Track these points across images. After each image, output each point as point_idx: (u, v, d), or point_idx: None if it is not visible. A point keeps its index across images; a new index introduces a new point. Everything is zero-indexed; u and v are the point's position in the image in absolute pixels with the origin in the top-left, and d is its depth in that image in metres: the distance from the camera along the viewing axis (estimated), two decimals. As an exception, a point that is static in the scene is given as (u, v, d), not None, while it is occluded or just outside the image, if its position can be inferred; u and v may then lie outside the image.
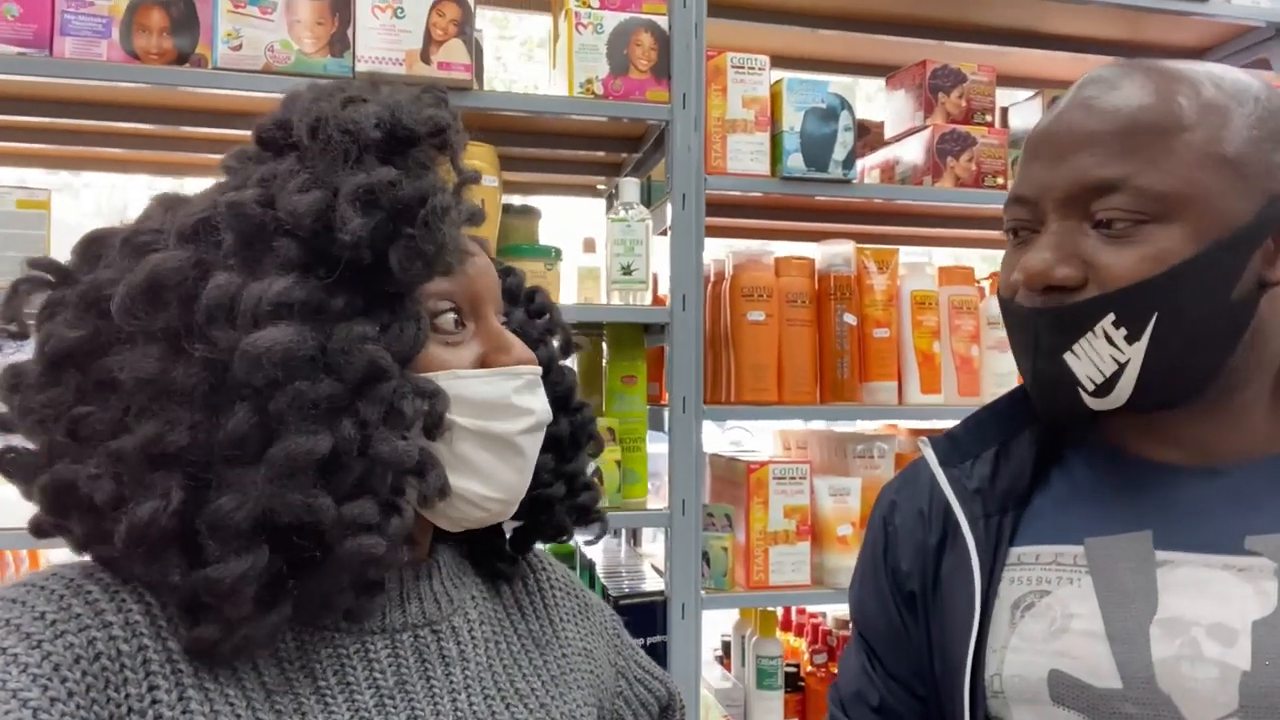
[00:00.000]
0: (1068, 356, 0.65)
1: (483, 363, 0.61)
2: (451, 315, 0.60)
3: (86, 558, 0.55)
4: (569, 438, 0.72)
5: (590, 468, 0.75)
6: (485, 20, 1.51)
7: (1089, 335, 0.63)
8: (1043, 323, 0.66)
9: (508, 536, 0.73)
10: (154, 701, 0.49)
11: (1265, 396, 0.67)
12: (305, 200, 0.53)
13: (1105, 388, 0.64)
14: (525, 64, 6.02)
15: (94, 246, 0.57)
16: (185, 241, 0.53)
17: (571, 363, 0.79)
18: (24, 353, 0.55)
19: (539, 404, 0.63)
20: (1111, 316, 0.63)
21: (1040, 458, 0.74)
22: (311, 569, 0.52)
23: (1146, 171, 0.61)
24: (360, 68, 1.37)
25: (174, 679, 0.50)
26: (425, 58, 1.38)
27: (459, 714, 0.60)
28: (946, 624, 0.72)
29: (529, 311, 0.74)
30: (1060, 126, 0.66)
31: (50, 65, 1.30)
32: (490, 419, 0.60)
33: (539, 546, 0.75)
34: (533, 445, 0.63)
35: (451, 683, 0.61)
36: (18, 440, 0.55)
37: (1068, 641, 0.65)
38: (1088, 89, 0.66)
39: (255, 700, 0.53)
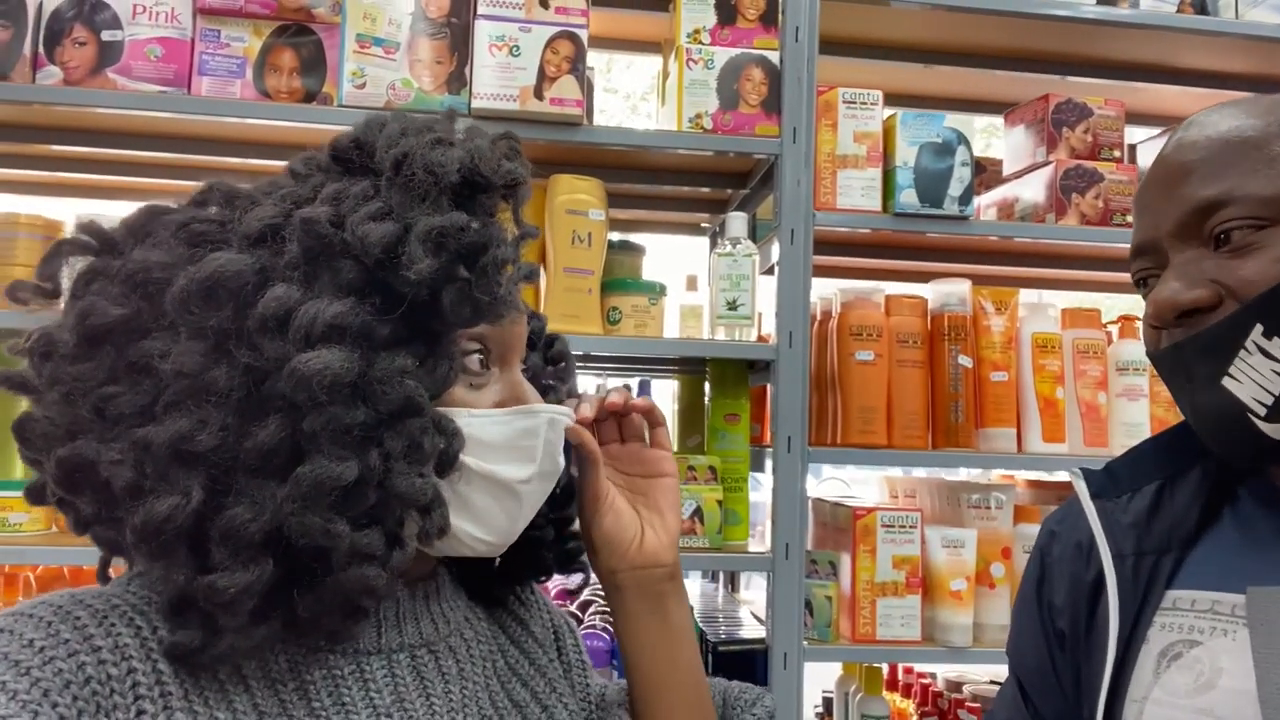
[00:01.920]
0: (1227, 382, 0.60)
1: (499, 408, 0.62)
2: (478, 357, 0.60)
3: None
4: (564, 488, 0.71)
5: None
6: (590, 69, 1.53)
7: (1242, 353, 0.59)
8: (1189, 352, 0.62)
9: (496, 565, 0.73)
10: None
11: None
12: (377, 230, 0.53)
13: (1278, 408, 0.59)
14: (629, 116, 6.17)
15: (146, 221, 0.57)
16: (250, 245, 0.54)
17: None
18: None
19: (543, 453, 0.62)
20: (1259, 328, 0.59)
21: (1213, 497, 0.68)
22: (307, 589, 0.52)
23: (1250, 180, 0.60)
24: (476, 104, 1.40)
25: (162, 701, 0.50)
26: (538, 94, 1.40)
27: None
28: (1094, 667, 0.68)
29: (546, 358, 0.74)
30: (1159, 169, 0.66)
31: (187, 102, 1.37)
32: (497, 462, 0.59)
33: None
34: (534, 495, 0.63)
35: (450, 700, 0.60)
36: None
37: (1213, 698, 0.60)
38: (1180, 131, 0.66)
39: None
